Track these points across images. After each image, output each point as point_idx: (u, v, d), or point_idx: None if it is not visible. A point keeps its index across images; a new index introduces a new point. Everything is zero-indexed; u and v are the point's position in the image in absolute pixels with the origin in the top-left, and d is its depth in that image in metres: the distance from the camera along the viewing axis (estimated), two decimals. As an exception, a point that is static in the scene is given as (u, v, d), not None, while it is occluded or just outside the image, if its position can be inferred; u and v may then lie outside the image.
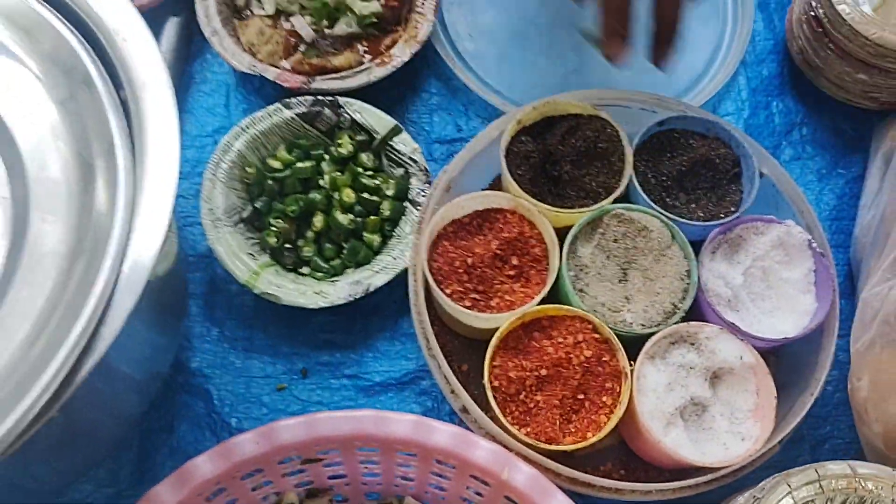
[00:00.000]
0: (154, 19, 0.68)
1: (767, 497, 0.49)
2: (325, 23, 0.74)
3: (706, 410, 0.60)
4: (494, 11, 0.81)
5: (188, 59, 0.78)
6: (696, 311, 0.62)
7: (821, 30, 0.73)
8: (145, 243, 0.47)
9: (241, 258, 0.66)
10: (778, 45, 0.81)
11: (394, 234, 0.69)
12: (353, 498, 0.62)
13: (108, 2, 0.53)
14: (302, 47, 0.74)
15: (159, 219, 0.47)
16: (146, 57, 0.52)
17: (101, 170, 0.49)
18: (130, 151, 0.49)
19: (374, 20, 0.74)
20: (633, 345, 0.60)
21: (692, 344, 0.60)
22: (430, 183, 0.70)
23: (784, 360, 0.66)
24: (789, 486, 0.49)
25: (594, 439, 0.57)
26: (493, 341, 0.59)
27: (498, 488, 0.55)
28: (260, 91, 0.77)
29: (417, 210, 0.69)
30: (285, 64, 0.73)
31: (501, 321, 0.60)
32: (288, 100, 0.71)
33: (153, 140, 0.50)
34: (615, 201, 0.64)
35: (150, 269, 0.46)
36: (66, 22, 0.52)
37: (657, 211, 0.63)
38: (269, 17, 0.75)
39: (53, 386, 0.42)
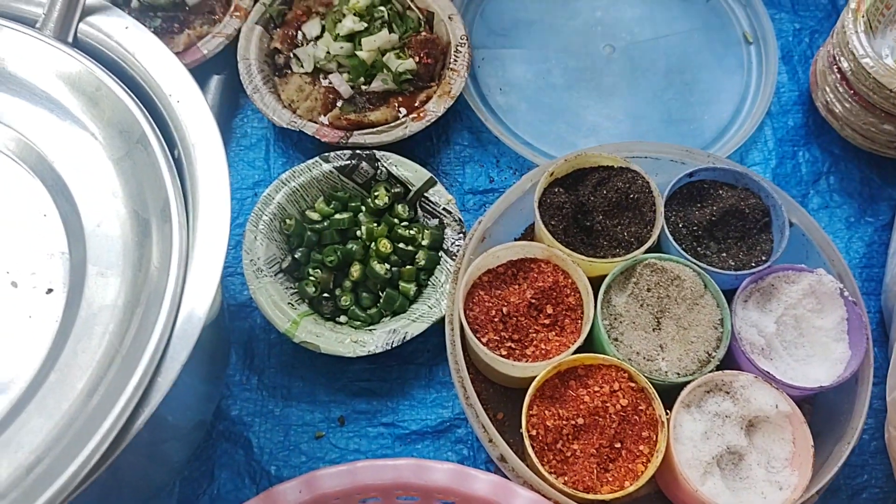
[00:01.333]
0: (198, 77, 0.71)
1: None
2: (362, 80, 0.77)
3: (742, 459, 0.60)
4: (524, 67, 0.83)
5: (230, 114, 0.81)
6: (731, 360, 0.63)
7: (845, 82, 0.74)
8: (198, 296, 0.48)
9: (280, 307, 0.68)
10: (803, 97, 0.83)
11: (429, 283, 0.71)
12: (392, 546, 0.63)
13: (164, 65, 0.56)
14: (339, 103, 0.76)
15: (212, 273, 0.49)
16: (199, 117, 0.54)
17: (156, 226, 0.51)
18: (184, 208, 0.51)
19: (410, 77, 0.77)
20: (669, 393, 0.60)
21: (727, 392, 0.61)
22: (464, 233, 0.71)
23: (818, 408, 0.66)
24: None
25: (632, 488, 0.57)
26: (530, 390, 0.60)
27: (537, 537, 0.55)
28: (298, 145, 0.80)
29: (452, 259, 0.70)
30: (324, 119, 0.76)
31: (538, 370, 0.61)
32: (326, 154, 0.73)
33: (205, 197, 0.52)
34: (647, 251, 0.65)
35: (203, 321, 0.47)
36: (123, 86, 0.55)
37: (689, 260, 0.64)
38: (308, 74, 0.78)
39: (112, 435, 0.43)
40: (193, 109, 0.54)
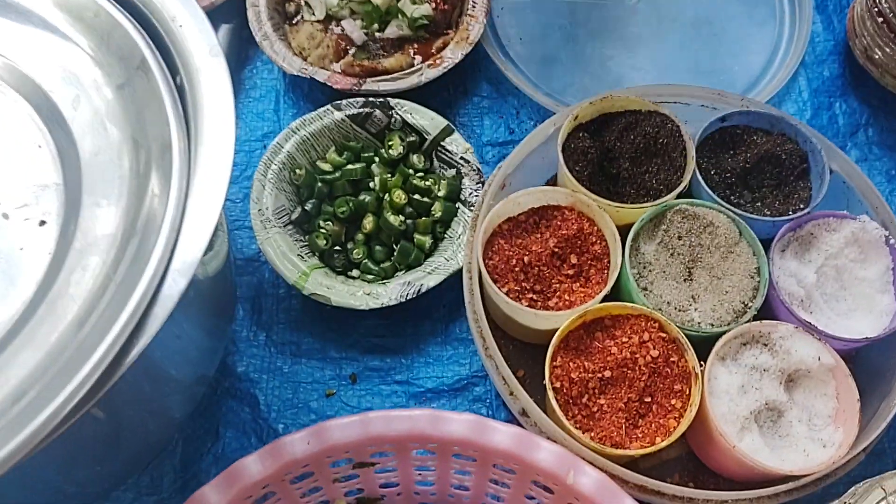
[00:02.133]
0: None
1: (861, 502, 0.45)
2: (376, 26, 0.73)
3: (782, 416, 0.56)
4: (545, 14, 0.80)
5: (239, 66, 0.78)
6: (768, 311, 0.59)
7: (886, 25, 0.70)
8: (198, 226, 0.45)
9: (290, 259, 0.64)
10: (839, 46, 0.79)
11: (446, 235, 0.67)
12: (404, 508, 0.59)
13: (165, -12, 0.52)
14: (352, 50, 0.73)
15: (213, 201, 0.46)
16: (203, 42, 0.51)
17: (156, 154, 0.48)
18: (186, 136, 0.48)
19: (425, 23, 0.73)
20: (702, 346, 0.56)
21: (765, 345, 0.57)
22: (482, 183, 0.68)
23: (860, 365, 0.62)
24: (884, 490, 0.45)
25: (664, 444, 0.53)
26: (554, 341, 0.56)
27: (562, 494, 0.51)
28: (309, 96, 0.77)
29: (470, 211, 0.67)
30: (335, 67, 0.73)
31: (562, 320, 0.57)
32: (338, 101, 0.70)
33: (209, 124, 0.48)
34: (677, 198, 0.61)
35: (203, 251, 0.44)
36: (122, 9, 0.52)
37: (723, 205, 0.60)
38: (319, 21, 0.75)
39: (102, 365, 0.40)
40: (197, 33, 0.51)
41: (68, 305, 0.44)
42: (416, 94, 0.71)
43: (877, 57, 0.73)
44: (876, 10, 0.71)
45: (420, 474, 0.56)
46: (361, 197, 0.68)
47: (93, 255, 0.45)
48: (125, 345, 0.41)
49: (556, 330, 0.57)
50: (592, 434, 0.55)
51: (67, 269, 0.45)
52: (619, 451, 0.53)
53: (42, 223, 0.47)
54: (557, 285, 0.60)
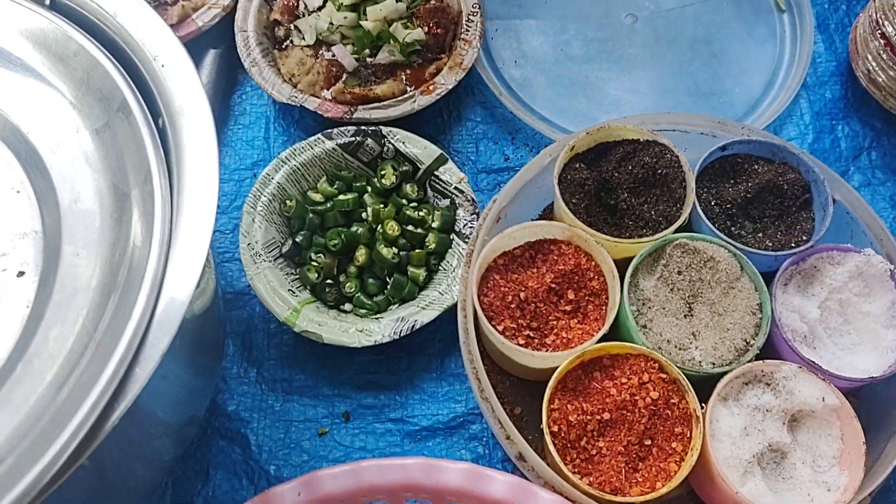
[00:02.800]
0: (193, 52, 0.66)
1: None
2: (367, 52, 0.72)
3: (785, 458, 0.55)
4: (541, 38, 0.78)
5: (227, 92, 0.76)
6: (770, 349, 0.58)
7: (889, 48, 0.69)
8: (182, 278, 0.43)
9: (280, 294, 0.63)
10: (840, 67, 0.77)
11: (440, 268, 0.66)
12: (400, 553, 0.58)
13: (146, 26, 0.51)
14: (343, 76, 0.71)
15: (197, 253, 0.44)
16: (185, 83, 0.49)
17: (137, 201, 0.47)
18: (168, 181, 0.47)
19: (418, 48, 0.71)
20: (703, 386, 0.55)
21: (768, 384, 0.55)
22: (477, 214, 0.66)
23: (864, 401, 0.60)
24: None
25: (665, 489, 0.52)
26: (551, 382, 0.55)
27: (561, 544, 0.50)
28: (300, 122, 0.75)
29: (464, 242, 0.65)
30: (326, 94, 0.71)
31: (559, 360, 0.55)
32: (329, 130, 0.68)
33: (191, 169, 0.47)
34: (677, 231, 0.60)
35: (187, 305, 0.42)
36: (101, 48, 0.50)
37: (724, 240, 0.59)
38: (309, 46, 0.73)
39: (82, 432, 0.38)
40: (179, 74, 0.49)
41: (47, 364, 0.42)
42: (408, 121, 0.70)
43: (880, 80, 0.71)
44: (879, 31, 0.69)
45: (415, 521, 0.55)
46: (354, 228, 0.66)
47: (72, 310, 0.44)
48: (106, 407, 0.40)
49: (554, 368, 0.55)
50: (591, 479, 0.53)
51: (46, 325, 0.44)
52: (619, 499, 0.52)
53: (20, 274, 0.46)
54: (555, 322, 0.59)
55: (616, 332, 0.59)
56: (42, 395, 0.41)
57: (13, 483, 0.37)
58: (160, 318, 0.42)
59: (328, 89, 0.71)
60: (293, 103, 0.70)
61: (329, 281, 0.66)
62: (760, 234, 0.62)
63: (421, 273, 0.65)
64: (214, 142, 0.47)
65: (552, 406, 0.55)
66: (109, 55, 0.50)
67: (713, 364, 0.56)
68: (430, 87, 0.70)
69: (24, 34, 0.50)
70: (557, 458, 0.53)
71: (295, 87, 0.72)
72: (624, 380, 0.55)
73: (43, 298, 0.45)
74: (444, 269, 0.65)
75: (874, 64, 0.71)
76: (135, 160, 0.48)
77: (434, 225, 0.66)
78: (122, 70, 0.50)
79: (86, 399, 0.39)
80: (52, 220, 0.47)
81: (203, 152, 0.47)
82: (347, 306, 0.65)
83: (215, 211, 0.45)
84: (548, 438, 0.53)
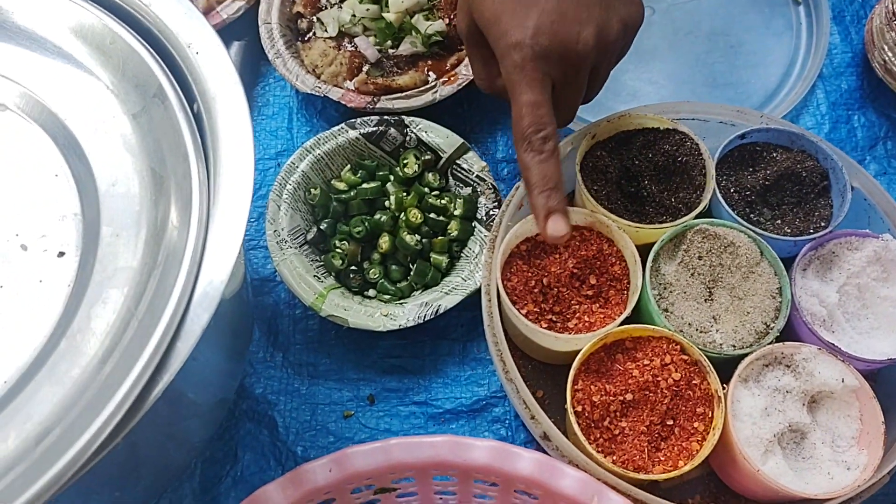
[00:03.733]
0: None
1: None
2: (389, 43, 0.73)
3: (805, 438, 0.55)
4: (559, 29, 0.79)
5: (251, 83, 0.77)
6: (790, 331, 0.59)
7: (906, 38, 0.70)
8: (219, 257, 0.45)
9: (306, 280, 0.64)
10: (857, 58, 0.78)
11: (462, 254, 0.67)
12: (425, 532, 0.59)
13: (180, 15, 0.52)
14: (366, 68, 0.72)
15: (234, 232, 0.45)
16: (219, 69, 0.50)
17: (174, 183, 0.48)
18: (204, 164, 0.48)
19: (439, 39, 0.72)
20: (723, 368, 0.56)
21: (788, 366, 0.56)
22: (499, 201, 0.67)
23: (883, 384, 0.61)
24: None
25: (687, 468, 0.53)
26: (575, 364, 0.56)
27: (586, 520, 0.51)
28: (323, 113, 0.76)
29: (486, 230, 0.66)
30: (349, 84, 0.72)
31: (582, 343, 0.56)
32: (353, 120, 0.70)
33: (226, 152, 0.48)
34: (697, 217, 0.61)
35: (226, 282, 0.44)
36: (137, 36, 0.51)
37: (744, 226, 0.60)
38: (332, 38, 0.74)
39: (127, 403, 0.40)
40: (213, 60, 0.51)
41: (90, 340, 0.43)
42: (430, 111, 0.71)
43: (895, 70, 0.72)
44: (895, 22, 0.70)
45: (441, 498, 0.56)
46: (377, 216, 0.68)
47: (113, 288, 0.45)
48: (149, 380, 0.41)
49: (576, 351, 0.56)
50: (614, 458, 0.54)
51: (88, 303, 0.45)
52: (643, 476, 0.53)
53: (61, 254, 0.47)
54: (577, 307, 0.60)
55: (638, 316, 0.60)
56: (86, 370, 0.42)
57: (61, 452, 0.38)
58: (199, 295, 0.43)
59: (351, 80, 0.72)
60: (317, 94, 0.71)
61: (353, 267, 0.67)
62: (779, 221, 0.63)
63: (443, 259, 0.66)
64: (249, 125, 0.48)
65: (576, 387, 0.56)
66: (145, 43, 0.51)
67: (734, 346, 0.57)
68: (452, 78, 0.71)
69: (64, 24, 0.52)
70: (582, 437, 0.54)
71: (318, 77, 0.73)
72: (646, 361, 0.56)
73: (83, 278, 0.46)
74: (467, 256, 0.67)
75: (890, 55, 0.72)
76: (171, 144, 0.49)
77: (456, 212, 0.68)
78: (158, 57, 0.51)
79: (129, 372, 0.40)
80: (91, 202, 0.49)
81: (238, 135, 0.48)
82: (371, 292, 0.67)
83: (252, 192, 0.46)
84: (572, 418, 0.54)
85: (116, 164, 0.50)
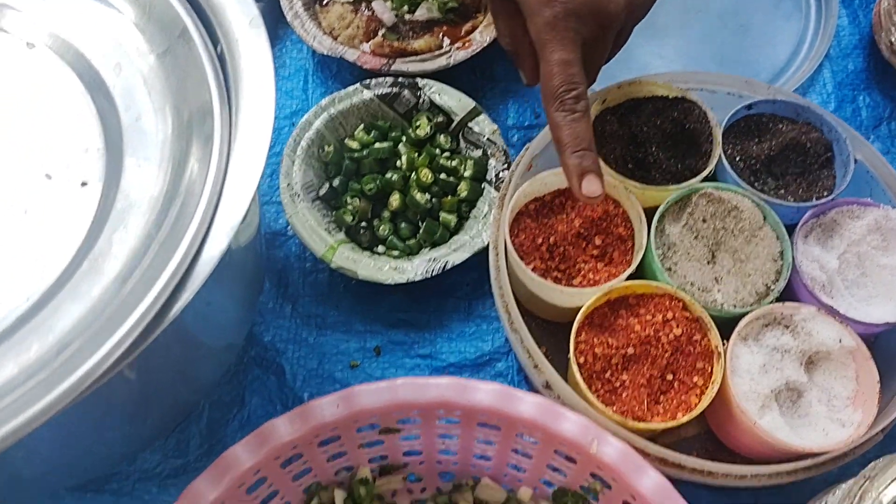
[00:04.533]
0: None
1: (880, 476, 0.46)
2: (406, 8, 0.74)
3: (801, 396, 0.57)
4: (573, 2, 0.80)
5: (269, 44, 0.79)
6: (790, 294, 0.60)
7: (913, 19, 0.71)
8: (239, 189, 0.46)
9: (318, 233, 0.66)
10: (864, 40, 0.79)
11: (471, 215, 0.68)
12: (427, 477, 0.60)
13: (206, -42, 0.53)
14: (382, 31, 0.74)
15: (253, 166, 0.47)
16: (243, 12, 0.52)
17: (197, 120, 0.49)
18: (227, 103, 0.49)
19: (455, 6, 0.74)
20: (724, 327, 0.57)
21: (787, 326, 0.57)
22: (508, 164, 0.69)
23: (879, 351, 0.62)
24: (904, 465, 0.46)
25: (685, 419, 0.54)
26: (579, 317, 0.57)
27: (585, 463, 0.52)
28: (338, 76, 0.78)
29: (496, 190, 0.68)
30: (365, 47, 0.74)
31: (586, 297, 0.58)
32: (368, 80, 0.71)
33: (248, 92, 0.50)
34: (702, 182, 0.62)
35: (245, 212, 0.45)
36: (164, -23, 0.53)
37: (748, 190, 0.61)
38: (349, 2, 0.76)
39: (147, 319, 0.41)
40: (237, 4, 0.52)
41: (111, 262, 0.45)
42: (443, 77, 0.72)
43: (902, 51, 0.73)
44: (902, 3, 0.72)
45: (444, 443, 0.57)
46: (388, 175, 0.69)
47: (135, 215, 0.47)
48: (168, 300, 0.42)
49: (579, 309, 0.58)
50: (614, 408, 0.55)
51: (110, 228, 0.46)
52: (642, 425, 0.54)
53: (84, 184, 0.49)
54: (582, 265, 0.61)
55: (642, 274, 0.61)
56: (107, 288, 0.44)
57: (80, 363, 0.40)
58: (219, 223, 0.45)
59: (367, 43, 0.74)
60: (333, 55, 0.73)
61: (363, 224, 0.68)
62: (783, 191, 0.64)
63: (452, 218, 0.68)
64: (271, 67, 0.50)
65: (579, 339, 0.57)
66: (171, -16, 0.53)
67: (734, 306, 0.58)
68: (466, 44, 0.73)
69: (93, -37, 0.53)
70: (583, 386, 0.55)
71: (335, 39, 0.74)
72: (648, 317, 0.57)
73: (106, 206, 0.47)
74: (475, 216, 0.68)
75: (896, 35, 0.74)
76: (195, 83, 0.50)
77: (466, 174, 0.69)
78: (183, -1, 0.53)
79: (149, 291, 0.42)
80: (114, 136, 0.50)
81: (260, 76, 0.49)
82: (381, 248, 0.68)
83: (272, 128, 0.48)
84: (574, 368, 0.56)
85: (140, 100, 0.51)
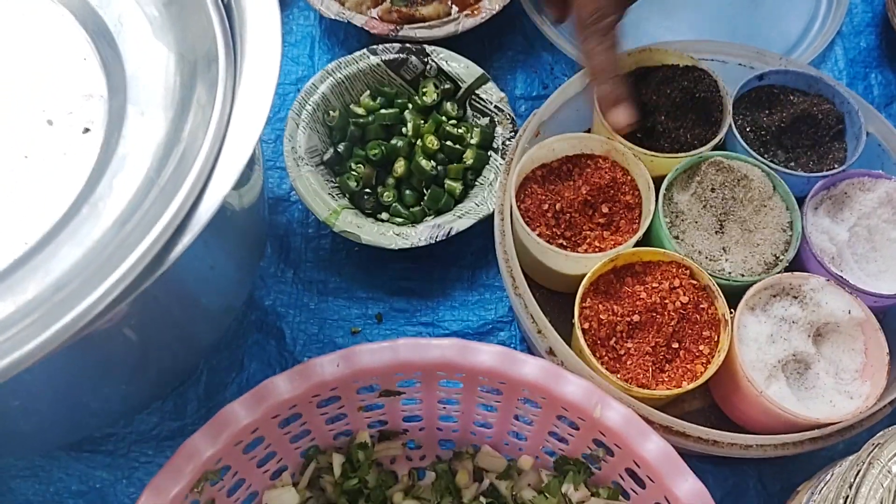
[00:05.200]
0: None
1: (890, 443, 0.45)
2: (415, -25, 0.73)
3: (809, 368, 0.56)
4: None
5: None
6: (799, 265, 0.59)
7: (928, -5, 0.70)
8: (243, 136, 0.45)
9: (321, 196, 0.65)
10: (877, 18, 0.78)
11: (476, 182, 0.67)
12: (426, 444, 0.59)
13: None
14: (389, -2, 0.73)
15: (258, 113, 0.46)
16: (250, -39, 0.51)
17: (201, 67, 0.48)
18: (231, 50, 0.48)
19: (465, -27, 0.73)
20: (731, 297, 0.56)
21: (795, 297, 0.57)
22: (515, 132, 0.68)
23: (888, 325, 0.61)
24: (914, 432, 0.45)
25: (690, 386, 0.53)
26: (584, 282, 0.56)
27: (588, 428, 0.51)
28: (345, 43, 0.77)
29: (502, 159, 0.67)
30: (373, 13, 0.73)
31: (592, 263, 0.57)
32: (375, 46, 0.70)
33: (253, 39, 0.49)
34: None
35: (248, 158, 0.44)
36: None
37: (758, 160, 0.60)
38: (358, -32, 0.75)
39: (145, 260, 0.40)
40: (244, -48, 0.51)
41: (111, 206, 0.44)
42: (451, 44, 0.71)
43: (916, 27, 0.73)
44: (917, -21, 0.71)
45: (444, 408, 0.56)
46: (394, 141, 0.68)
47: (136, 161, 0.46)
48: (166, 244, 0.41)
49: (583, 278, 0.57)
50: (618, 376, 0.54)
51: (111, 173, 0.46)
52: (646, 392, 0.53)
53: (86, 130, 0.48)
54: (588, 233, 0.60)
55: (649, 242, 0.60)
56: (106, 231, 0.43)
57: (76, 302, 0.39)
58: (221, 168, 0.44)
59: (375, 8, 0.73)
60: (340, 19, 0.72)
61: (367, 190, 0.68)
62: (793, 163, 0.63)
63: (458, 186, 0.67)
64: (277, 14, 0.49)
65: (584, 305, 0.56)
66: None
67: (742, 275, 0.57)
68: (475, 11, 0.72)
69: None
70: (588, 352, 0.54)
71: (343, 5, 0.74)
72: (655, 284, 0.56)
73: (108, 151, 0.47)
74: (481, 184, 0.67)
75: (911, 12, 0.73)
76: (200, 31, 0.49)
77: (472, 141, 0.68)
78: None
79: (148, 233, 0.41)
80: (118, 84, 0.49)
81: (266, 22, 0.49)
82: (384, 215, 0.67)
83: (277, 75, 0.47)
84: (579, 333, 0.55)
85: (145, 49, 0.50)
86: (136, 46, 0.50)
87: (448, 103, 0.70)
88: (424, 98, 0.69)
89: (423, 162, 0.67)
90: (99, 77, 0.50)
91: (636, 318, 0.56)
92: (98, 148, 0.47)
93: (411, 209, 0.67)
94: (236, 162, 0.44)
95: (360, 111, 0.69)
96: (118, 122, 0.48)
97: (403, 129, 0.69)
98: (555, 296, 0.64)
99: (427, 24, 0.71)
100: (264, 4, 0.49)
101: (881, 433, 0.47)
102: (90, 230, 0.43)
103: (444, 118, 0.69)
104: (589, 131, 0.68)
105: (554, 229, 0.60)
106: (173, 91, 0.48)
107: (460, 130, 0.68)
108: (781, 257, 0.58)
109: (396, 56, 0.70)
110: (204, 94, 0.47)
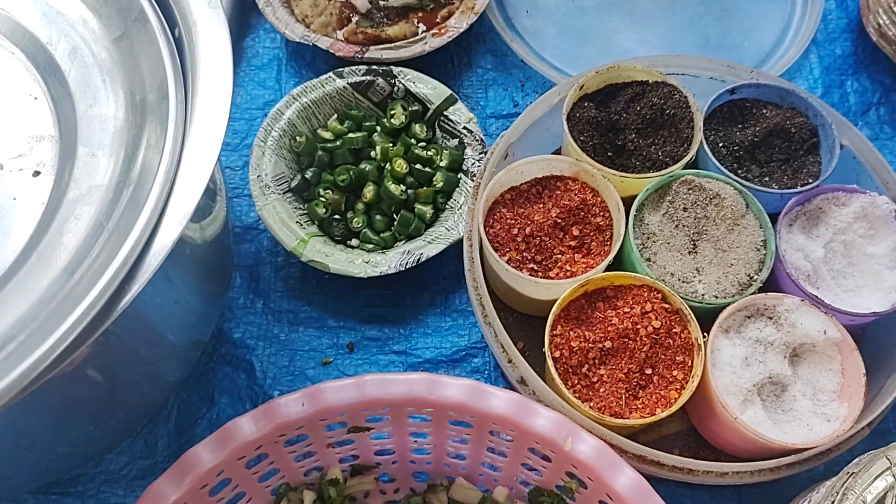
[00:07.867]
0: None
1: (864, 472, 0.44)
2: (380, -6, 0.72)
3: (785, 391, 0.55)
4: (553, -12, 0.79)
5: (241, 34, 0.77)
6: (773, 285, 0.58)
7: (901, 2, 0.69)
8: (194, 175, 0.44)
9: (288, 225, 0.64)
10: (851, 24, 0.77)
11: (447, 206, 0.66)
12: (400, 477, 0.58)
13: (165, -60, 0.51)
14: (356, 18, 0.72)
15: (209, 150, 0.45)
16: (201, -6, 0.50)
17: (152, 105, 0.47)
18: (182, 86, 0.47)
19: (431, -8, 0.72)
20: (705, 319, 0.55)
21: (770, 318, 0.56)
22: (485, 153, 0.67)
23: (867, 342, 0.60)
24: (889, 460, 0.44)
25: (664, 414, 0.52)
26: (555, 309, 0.55)
27: (560, 462, 0.50)
28: (312, 65, 0.76)
29: (472, 181, 0.66)
30: (338, 35, 0.72)
31: (563, 289, 0.56)
32: (341, 69, 0.69)
33: (205, 75, 0.48)
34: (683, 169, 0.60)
35: (199, 198, 0.43)
36: (120, -40, 0.51)
37: (730, 178, 0.59)
38: (323, -11, 0.74)
39: (94, 310, 0.39)
40: (196, -15, 0.50)
41: (60, 254, 0.43)
42: (419, 65, 0.70)
43: (891, 34, 0.71)
44: (890, -14, 0.70)
45: (416, 441, 0.55)
46: (362, 166, 0.67)
47: (86, 205, 0.45)
48: (117, 291, 0.40)
49: (555, 301, 0.56)
50: (591, 404, 0.53)
51: (60, 219, 0.44)
52: (619, 421, 0.52)
53: (36, 174, 0.47)
54: (559, 256, 0.59)
55: (620, 265, 0.59)
56: (54, 281, 0.42)
57: (22, 359, 0.38)
58: (173, 210, 0.43)
59: (340, 30, 0.72)
60: (306, 42, 0.71)
61: (337, 216, 0.66)
62: (767, 178, 0.62)
63: (428, 210, 0.66)
64: (229, 49, 0.48)
65: (555, 332, 0.55)
66: (127, -34, 0.51)
67: (716, 297, 0.56)
68: (442, 30, 0.71)
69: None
70: (559, 382, 0.53)
71: (308, 27, 0.72)
72: (626, 309, 0.55)
73: (58, 195, 0.46)
74: (451, 207, 0.66)
75: (885, 18, 0.72)
76: (151, 67, 0.48)
77: (442, 164, 0.67)
78: (140, -19, 0.51)
79: (97, 282, 0.40)
80: (69, 124, 0.48)
81: (217, 58, 0.48)
82: (354, 241, 0.66)
83: (228, 114, 0.46)
84: (550, 363, 0.54)
85: (96, 86, 0.49)
86: (86, 84, 0.49)
87: (417, 125, 0.69)
88: (393, 121, 0.68)
89: (393, 187, 0.65)
90: (49, 117, 0.49)
91: (608, 344, 0.55)
92: (48, 192, 0.46)
93: (381, 235, 0.66)
94: (188, 201, 0.43)
95: (328, 135, 0.68)
96: (69, 165, 0.47)
97: (372, 153, 0.68)
98: (529, 319, 0.63)
99: (394, 44, 0.70)
100: (216, 38, 0.48)
101: (856, 461, 0.46)
102: (39, 280, 0.42)
103: (412, 140, 0.68)
104: (559, 151, 0.67)
105: (524, 254, 0.59)
106: (124, 130, 0.47)
107: (429, 153, 0.67)
108: (755, 277, 0.57)
109: (363, 79, 0.69)
110: (155, 131, 0.46)
